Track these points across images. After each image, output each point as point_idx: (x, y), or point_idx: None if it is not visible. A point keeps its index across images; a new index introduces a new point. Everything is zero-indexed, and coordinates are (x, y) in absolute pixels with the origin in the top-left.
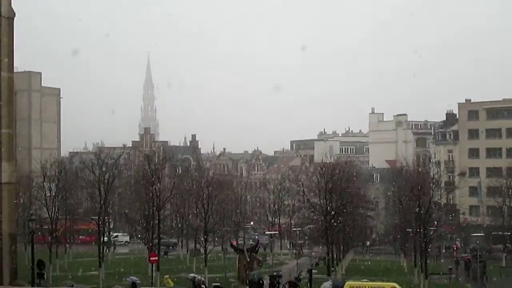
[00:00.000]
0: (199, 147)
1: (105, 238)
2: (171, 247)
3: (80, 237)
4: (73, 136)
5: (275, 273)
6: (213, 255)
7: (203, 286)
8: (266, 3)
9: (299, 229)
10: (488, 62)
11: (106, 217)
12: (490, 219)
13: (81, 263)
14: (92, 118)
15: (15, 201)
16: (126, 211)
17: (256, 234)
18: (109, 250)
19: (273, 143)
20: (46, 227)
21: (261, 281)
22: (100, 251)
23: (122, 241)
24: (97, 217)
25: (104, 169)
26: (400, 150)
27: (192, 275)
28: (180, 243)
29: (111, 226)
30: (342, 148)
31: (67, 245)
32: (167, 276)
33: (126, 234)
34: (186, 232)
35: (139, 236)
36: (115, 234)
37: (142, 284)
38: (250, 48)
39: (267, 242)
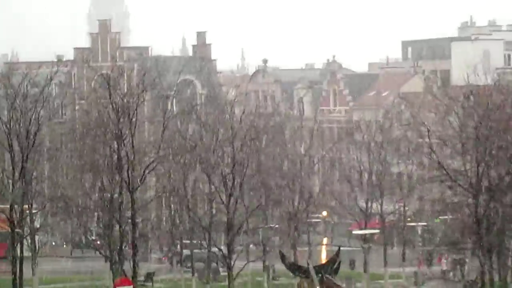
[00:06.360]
0: (212, 58)
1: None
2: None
3: None
4: None
5: None
6: (245, 279)
7: None
8: None
9: (425, 224)
10: None
11: (26, 206)
12: None
13: None
14: None
15: None
16: (67, 193)
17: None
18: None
19: (363, 48)
20: None
21: None
22: (17, 274)
23: None
24: (8, 206)
25: (21, 106)
26: None
27: None
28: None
29: (37, 225)
30: (509, 55)
31: None
32: None
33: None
34: (191, 235)
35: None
36: None
37: None
38: None
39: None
